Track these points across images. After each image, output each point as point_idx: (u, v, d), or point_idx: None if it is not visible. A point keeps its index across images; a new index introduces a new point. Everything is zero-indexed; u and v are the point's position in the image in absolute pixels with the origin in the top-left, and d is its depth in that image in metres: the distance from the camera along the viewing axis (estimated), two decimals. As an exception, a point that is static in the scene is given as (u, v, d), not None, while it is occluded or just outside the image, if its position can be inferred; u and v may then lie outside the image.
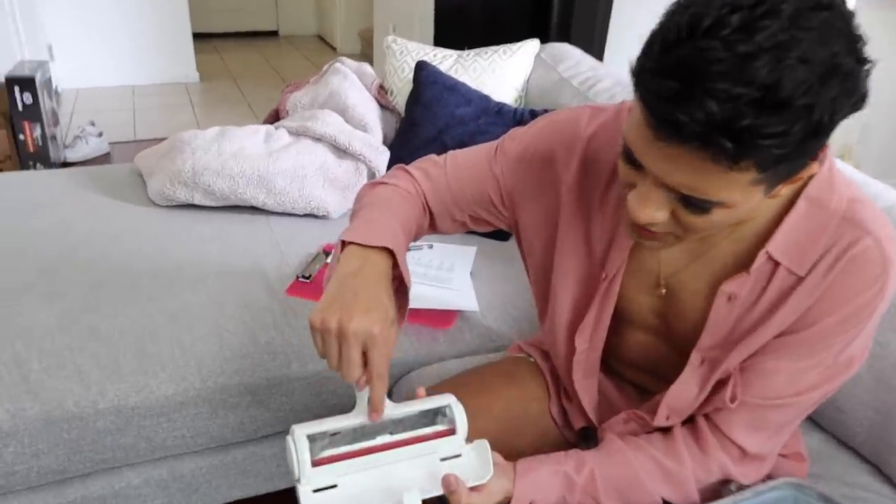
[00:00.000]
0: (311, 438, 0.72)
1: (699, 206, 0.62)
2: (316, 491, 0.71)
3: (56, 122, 3.05)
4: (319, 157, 1.63)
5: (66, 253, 1.38)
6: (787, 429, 0.82)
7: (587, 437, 1.03)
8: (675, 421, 0.84)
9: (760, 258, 0.73)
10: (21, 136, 2.80)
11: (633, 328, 0.90)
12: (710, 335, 0.79)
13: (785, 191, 0.65)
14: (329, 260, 0.85)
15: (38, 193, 1.65)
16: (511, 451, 0.96)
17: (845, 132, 2.43)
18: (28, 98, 2.75)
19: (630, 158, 0.65)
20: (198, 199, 1.59)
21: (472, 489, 0.74)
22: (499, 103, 1.72)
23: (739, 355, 0.77)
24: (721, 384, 0.79)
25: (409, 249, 1.50)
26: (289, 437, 0.72)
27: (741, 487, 0.84)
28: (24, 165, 2.84)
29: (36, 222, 1.49)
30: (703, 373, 0.80)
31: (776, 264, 0.73)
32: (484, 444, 0.76)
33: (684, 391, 0.81)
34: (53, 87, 3.11)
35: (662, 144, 0.59)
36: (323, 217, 1.63)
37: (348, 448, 0.73)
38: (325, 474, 0.71)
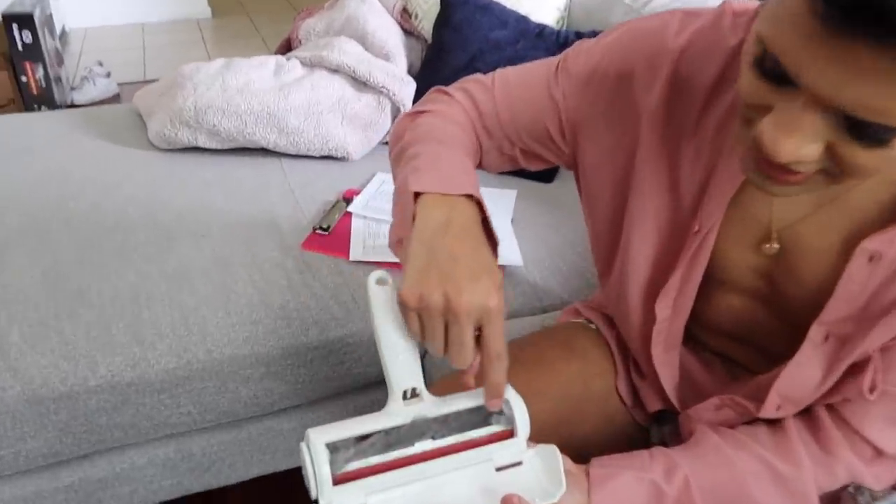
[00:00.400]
0: (333, 447, 0.57)
1: (876, 136, 0.43)
2: None
3: (61, 63, 2.87)
4: (336, 90, 1.44)
5: (56, 204, 1.22)
6: None
7: (662, 420, 0.86)
8: (787, 412, 0.66)
9: None
10: (23, 78, 2.63)
11: (727, 291, 0.71)
12: (840, 305, 0.60)
13: None
14: (391, 217, 0.68)
15: (30, 137, 1.48)
16: (571, 438, 0.80)
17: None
18: (28, 36, 2.56)
19: (771, 69, 0.45)
20: (202, 142, 1.41)
21: None
22: (539, 25, 1.50)
23: (883, 334, 0.59)
24: (855, 369, 0.61)
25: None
26: (303, 445, 0.56)
27: (859, 489, 0.68)
28: (28, 108, 2.68)
29: (24, 169, 1.33)
30: (829, 353, 0.62)
31: None
32: (552, 451, 0.59)
33: (803, 375, 0.63)
34: (60, 26, 2.92)
35: (838, 43, 0.39)
36: (342, 159, 1.45)
37: (380, 458, 0.57)
38: (352, 493, 0.56)
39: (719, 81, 0.63)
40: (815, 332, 0.62)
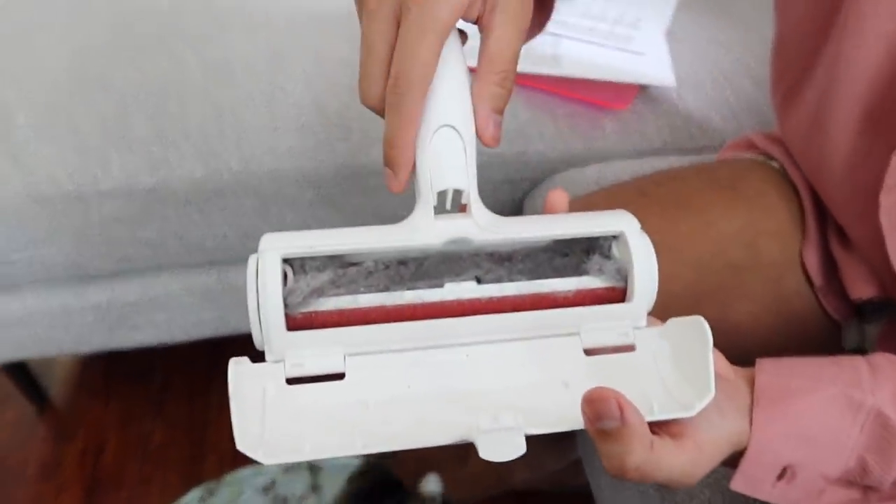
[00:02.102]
0: (299, 267, 0.33)
1: None
2: (293, 382, 0.32)
3: None
4: None
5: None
6: None
7: (867, 316, 0.55)
8: None
9: None
10: None
11: None
12: None
13: None
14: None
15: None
16: (720, 325, 0.52)
17: None
18: None
19: None
20: (284, -80, 1.14)
21: (660, 430, 0.32)
22: None
23: None
24: None
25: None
26: (251, 259, 0.33)
27: None
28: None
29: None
30: None
31: None
32: (698, 328, 0.32)
33: None
34: None
35: None
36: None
37: (376, 298, 0.33)
38: (318, 347, 0.32)
39: None
40: None
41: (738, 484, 0.35)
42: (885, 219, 0.44)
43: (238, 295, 0.92)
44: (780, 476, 0.34)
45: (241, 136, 0.78)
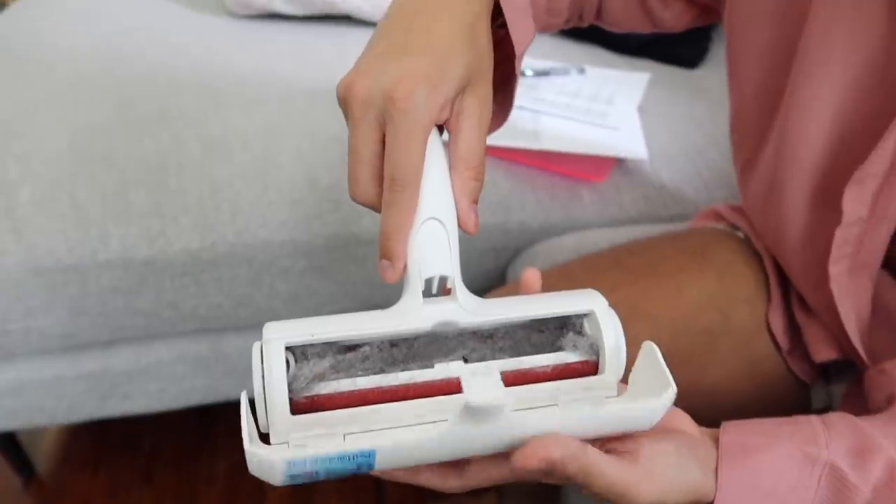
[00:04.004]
0: (300, 354, 0.36)
1: None
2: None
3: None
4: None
5: (109, 64, 1.07)
6: None
7: (833, 377, 0.58)
8: None
9: None
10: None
11: None
12: None
13: None
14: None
15: (102, 2, 1.35)
16: (694, 389, 0.55)
17: None
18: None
19: None
20: (278, 6, 1.21)
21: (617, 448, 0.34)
22: None
23: None
24: None
25: (545, 71, 1.06)
26: (255, 347, 0.35)
27: None
28: None
29: (88, 27, 1.20)
30: None
31: None
32: (647, 346, 0.36)
33: None
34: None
35: None
36: (437, 31, 1.20)
37: (373, 381, 0.36)
38: (320, 429, 0.35)
39: None
40: None
41: None
42: (835, 287, 0.48)
43: (228, 363, 0.93)
44: None
45: (237, 209, 0.81)
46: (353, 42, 1.15)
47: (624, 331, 0.37)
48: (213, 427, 1.21)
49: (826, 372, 0.59)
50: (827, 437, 0.37)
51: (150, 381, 0.92)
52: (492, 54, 0.40)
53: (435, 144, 0.38)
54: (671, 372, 0.34)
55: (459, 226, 0.37)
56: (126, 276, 0.80)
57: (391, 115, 0.35)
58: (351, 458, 0.32)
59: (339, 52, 1.13)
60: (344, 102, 0.37)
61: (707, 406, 0.54)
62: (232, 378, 0.95)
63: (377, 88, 0.35)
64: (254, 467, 0.32)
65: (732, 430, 0.38)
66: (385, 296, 0.89)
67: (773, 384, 0.57)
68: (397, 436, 0.33)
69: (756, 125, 0.53)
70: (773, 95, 0.50)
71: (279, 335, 0.35)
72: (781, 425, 0.38)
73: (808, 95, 0.46)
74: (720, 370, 0.56)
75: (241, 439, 0.32)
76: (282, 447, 0.34)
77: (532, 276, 0.39)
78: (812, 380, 0.58)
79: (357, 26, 1.23)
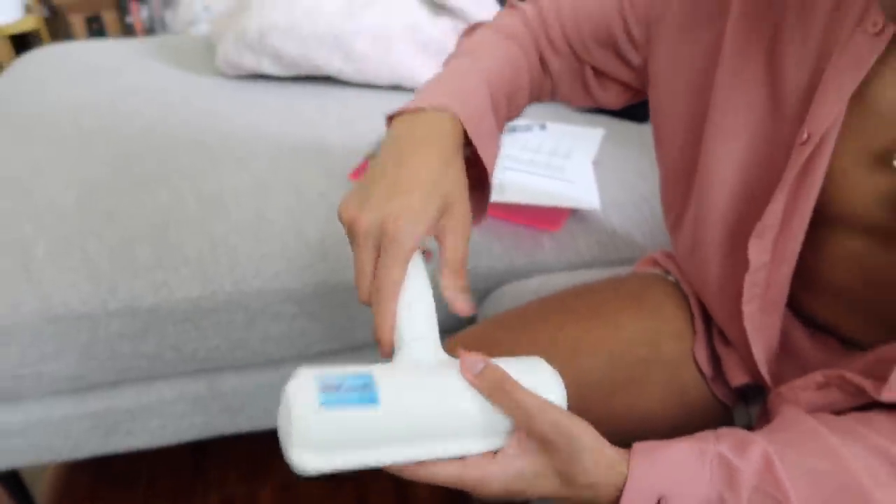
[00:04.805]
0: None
1: None
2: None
3: (168, 5, 2.90)
4: (409, 14, 1.30)
5: (108, 124, 1.17)
6: None
7: (751, 399, 0.69)
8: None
9: None
10: (129, 19, 2.68)
11: (842, 233, 0.53)
12: None
13: None
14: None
15: (103, 61, 1.45)
16: (629, 412, 0.65)
17: None
18: (135, -23, 2.60)
19: None
20: (266, 67, 1.32)
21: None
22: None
23: None
24: None
25: (511, 128, 1.17)
26: (288, 387, 0.43)
27: None
28: (133, 50, 2.73)
29: (88, 90, 1.30)
30: None
31: None
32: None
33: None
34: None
35: None
36: (412, 90, 1.32)
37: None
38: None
39: None
40: None
41: None
42: (748, 323, 0.58)
43: (224, 400, 1.01)
44: None
45: (234, 261, 0.90)
46: (335, 101, 1.28)
47: (567, 364, 0.47)
48: (206, 461, 1.28)
49: (745, 396, 0.69)
50: (716, 439, 0.47)
51: (153, 418, 0.99)
52: (465, 181, 0.51)
53: (418, 261, 0.49)
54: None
55: (455, 311, 0.49)
56: (132, 322, 0.89)
57: (384, 244, 0.46)
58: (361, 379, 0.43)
59: (322, 111, 1.24)
60: (350, 231, 0.48)
61: (641, 428, 0.64)
62: (227, 415, 1.03)
63: (375, 224, 0.47)
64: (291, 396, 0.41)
65: (643, 442, 0.47)
66: (366, 336, 0.98)
67: (700, 407, 0.67)
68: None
69: (680, 188, 0.64)
70: (691, 161, 0.60)
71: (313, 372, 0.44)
72: (684, 438, 0.48)
73: (715, 160, 0.56)
74: (653, 396, 0.65)
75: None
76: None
77: (473, 360, 0.46)
78: (733, 402, 0.68)
79: (339, 86, 1.34)
